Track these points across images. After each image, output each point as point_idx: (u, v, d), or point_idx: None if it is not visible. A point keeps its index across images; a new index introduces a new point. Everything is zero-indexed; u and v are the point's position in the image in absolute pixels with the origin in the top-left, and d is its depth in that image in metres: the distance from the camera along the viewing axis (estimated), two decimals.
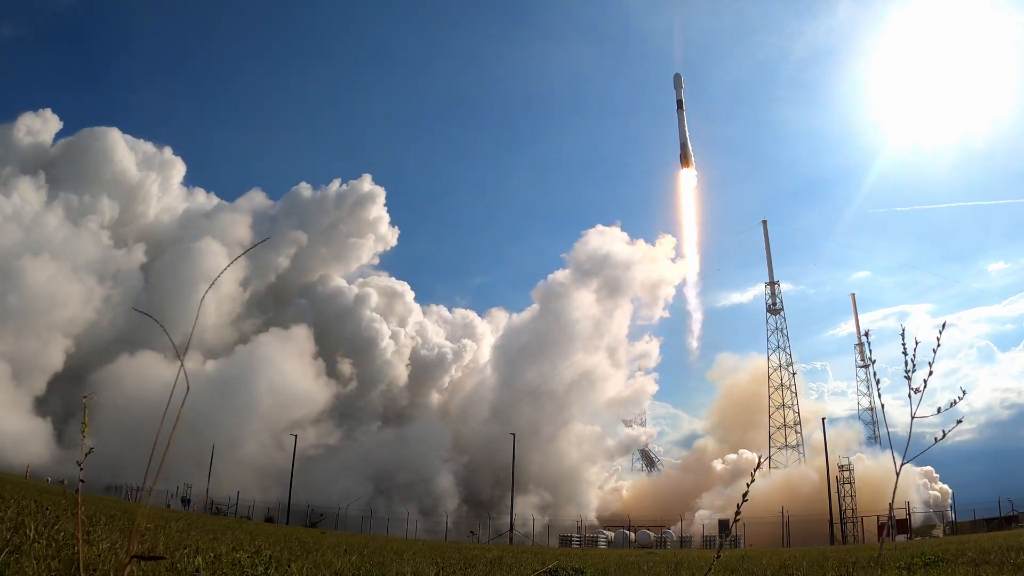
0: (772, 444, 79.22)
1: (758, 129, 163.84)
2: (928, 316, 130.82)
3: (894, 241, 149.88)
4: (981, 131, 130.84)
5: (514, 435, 62.67)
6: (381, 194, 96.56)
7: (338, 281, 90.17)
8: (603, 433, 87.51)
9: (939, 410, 2.78)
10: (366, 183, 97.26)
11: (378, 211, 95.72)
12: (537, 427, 77.34)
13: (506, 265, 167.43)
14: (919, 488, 61.81)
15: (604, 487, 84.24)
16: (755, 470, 2.86)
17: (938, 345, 2.84)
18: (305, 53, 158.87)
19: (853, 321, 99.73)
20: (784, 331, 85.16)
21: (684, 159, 77.56)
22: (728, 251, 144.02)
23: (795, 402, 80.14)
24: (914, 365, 2.83)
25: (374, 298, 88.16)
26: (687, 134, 77.17)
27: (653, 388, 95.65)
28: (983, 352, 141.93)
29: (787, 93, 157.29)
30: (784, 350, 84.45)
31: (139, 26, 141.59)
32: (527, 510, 65.08)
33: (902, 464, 2.79)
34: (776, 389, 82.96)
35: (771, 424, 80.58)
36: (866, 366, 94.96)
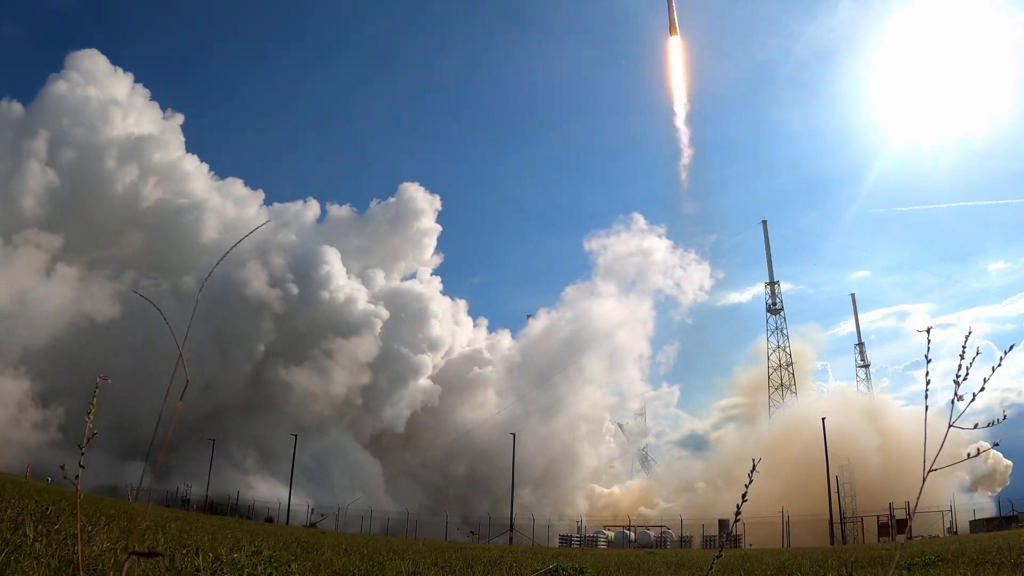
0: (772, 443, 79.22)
1: (758, 129, 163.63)
2: (928, 316, 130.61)
3: (894, 241, 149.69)
4: (981, 131, 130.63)
5: (514, 435, 62.76)
6: (430, 210, 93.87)
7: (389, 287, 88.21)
8: (609, 433, 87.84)
9: (975, 426, 2.74)
10: (414, 191, 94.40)
11: (426, 229, 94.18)
12: (544, 428, 77.78)
13: (505, 265, 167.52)
14: (972, 469, 60.37)
15: (606, 487, 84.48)
16: (752, 472, 2.84)
17: (999, 364, 2.77)
18: (303, 56, 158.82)
19: (853, 321, 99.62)
20: (784, 331, 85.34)
21: (671, 29, 79.47)
22: (728, 251, 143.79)
23: (796, 401, 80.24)
24: (967, 373, 2.76)
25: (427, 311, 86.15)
26: (674, 8, 78.78)
27: (675, 397, 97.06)
28: (983, 352, 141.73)
29: (787, 93, 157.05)
30: (784, 350, 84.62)
31: (137, 29, 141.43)
32: (528, 510, 65.10)
33: (928, 471, 2.75)
34: (776, 389, 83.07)
35: (771, 424, 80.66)
36: (866, 366, 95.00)
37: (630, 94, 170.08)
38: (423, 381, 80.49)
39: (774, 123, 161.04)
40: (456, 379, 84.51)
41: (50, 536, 6.48)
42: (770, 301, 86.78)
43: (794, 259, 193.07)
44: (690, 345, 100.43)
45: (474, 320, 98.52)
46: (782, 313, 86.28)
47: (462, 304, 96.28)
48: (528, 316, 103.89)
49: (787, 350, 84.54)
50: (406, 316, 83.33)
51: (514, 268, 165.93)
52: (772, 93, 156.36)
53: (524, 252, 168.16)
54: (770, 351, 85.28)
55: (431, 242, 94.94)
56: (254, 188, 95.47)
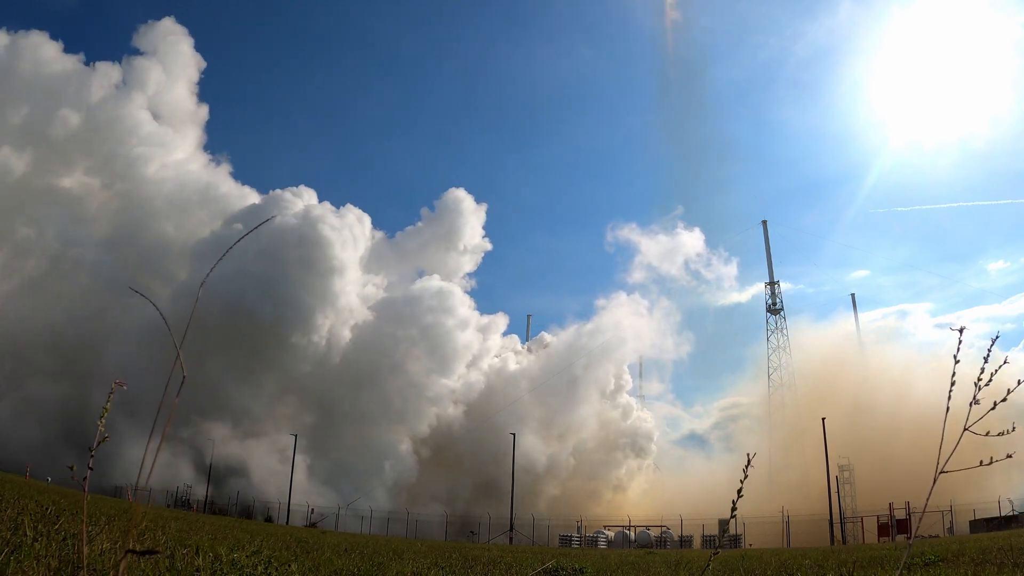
0: (772, 443, 79.33)
1: (758, 129, 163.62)
2: (928, 316, 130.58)
3: (894, 241, 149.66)
4: (981, 131, 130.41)
5: (514, 435, 62.82)
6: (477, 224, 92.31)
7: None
8: (614, 433, 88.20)
9: (988, 433, 2.76)
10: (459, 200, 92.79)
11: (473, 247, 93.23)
12: (553, 430, 78.09)
13: (504, 264, 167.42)
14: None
15: (612, 488, 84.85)
16: (747, 466, 2.84)
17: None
18: (304, 55, 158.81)
19: (853, 321, 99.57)
20: (784, 331, 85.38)
21: None
22: (728, 251, 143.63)
23: (796, 401, 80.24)
24: (991, 378, 2.81)
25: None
26: None
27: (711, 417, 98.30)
28: (983, 352, 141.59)
29: (787, 93, 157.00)
30: (784, 350, 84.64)
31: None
32: (530, 510, 65.13)
33: (939, 472, 2.77)
34: (776, 389, 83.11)
35: (771, 423, 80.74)
36: None
37: (631, 93, 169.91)
38: (450, 408, 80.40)
39: (774, 123, 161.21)
40: (480, 392, 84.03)
41: (50, 536, 6.48)
42: (770, 301, 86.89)
43: (794, 259, 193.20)
44: (690, 345, 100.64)
45: (506, 332, 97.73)
46: (782, 313, 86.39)
47: (501, 320, 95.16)
48: (528, 316, 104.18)
49: (787, 350, 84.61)
50: (435, 334, 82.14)
51: (513, 267, 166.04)
52: (772, 93, 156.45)
53: (523, 251, 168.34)
54: (770, 351, 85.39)
55: (472, 261, 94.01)
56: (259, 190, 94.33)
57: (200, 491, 64.10)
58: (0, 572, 4.62)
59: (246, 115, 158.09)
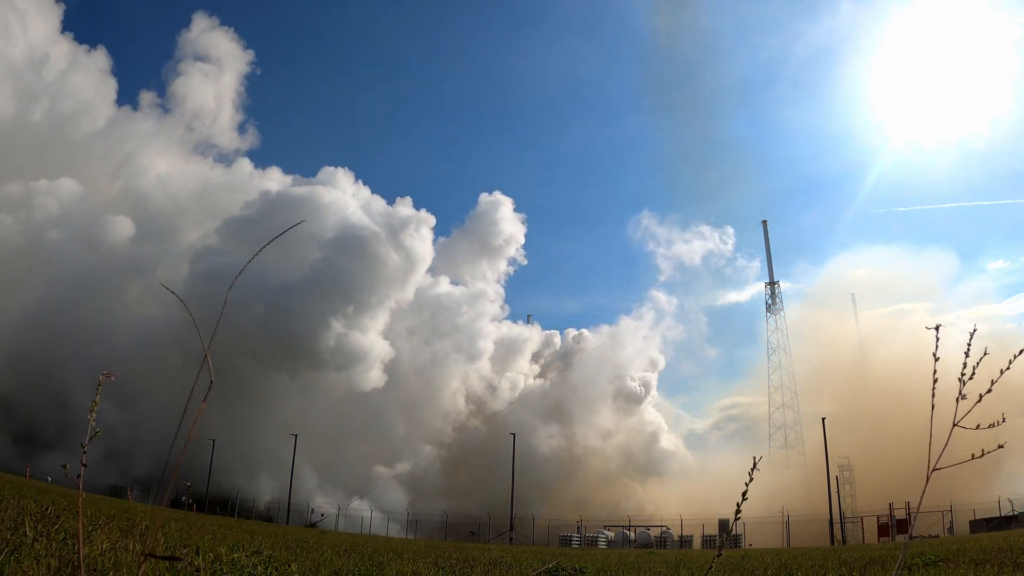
0: (772, 443, 79.45)
1: (758, 129, 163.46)
2: (928, 315, 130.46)
3: (894, 241, 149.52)
4: (981, 131, 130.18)
5: (514, 435, 62.78)
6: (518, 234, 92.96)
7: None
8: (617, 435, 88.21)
9: (978, 426, 2.75)
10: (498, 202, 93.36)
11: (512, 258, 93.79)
12: (571, 437, 78.39)
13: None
14: None
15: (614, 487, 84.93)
16: (752, 469, 2.83)
17: (1008, 367, 2.77)
18: (304, 53, 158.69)
19: (853, 321, 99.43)
20: (784, 331, 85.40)
21: None
22: (727, 250, 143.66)
23: (796, 402, 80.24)
24: (973, 372, 2.81)
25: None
26: None
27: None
28: (979, 351, 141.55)
29: (788, 93, 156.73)
30: (784, 350, 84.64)
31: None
32: (534, 511, 65.04)
33: (931, 469, 2.77)
34: (776, 389, 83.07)
35: (771, 424, 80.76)
36: None
37: (632, 94, 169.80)
38: (468, 414, 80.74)
39: (774, 123, 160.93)
40: (500, 399, 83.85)
41: (50, 536, 6.47)
42: (770, 301, 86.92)
43: (794, 259, 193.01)
44: (690, 345, 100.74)
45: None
46: (782, 313, 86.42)
47: (533, 331, 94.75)
48: (528, 315, 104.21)
49: (787, 350, 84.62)
50: (460, 341, 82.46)
51: (516, 269, 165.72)
52: (772, 93, 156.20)
53: (528, 253, 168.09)
54: (770, 351, 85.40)
55: (505, 273, 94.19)
56: None
57: (200, 491, 64.08)
58: (0, 572, 4.61)
59: (246, 116, 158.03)
